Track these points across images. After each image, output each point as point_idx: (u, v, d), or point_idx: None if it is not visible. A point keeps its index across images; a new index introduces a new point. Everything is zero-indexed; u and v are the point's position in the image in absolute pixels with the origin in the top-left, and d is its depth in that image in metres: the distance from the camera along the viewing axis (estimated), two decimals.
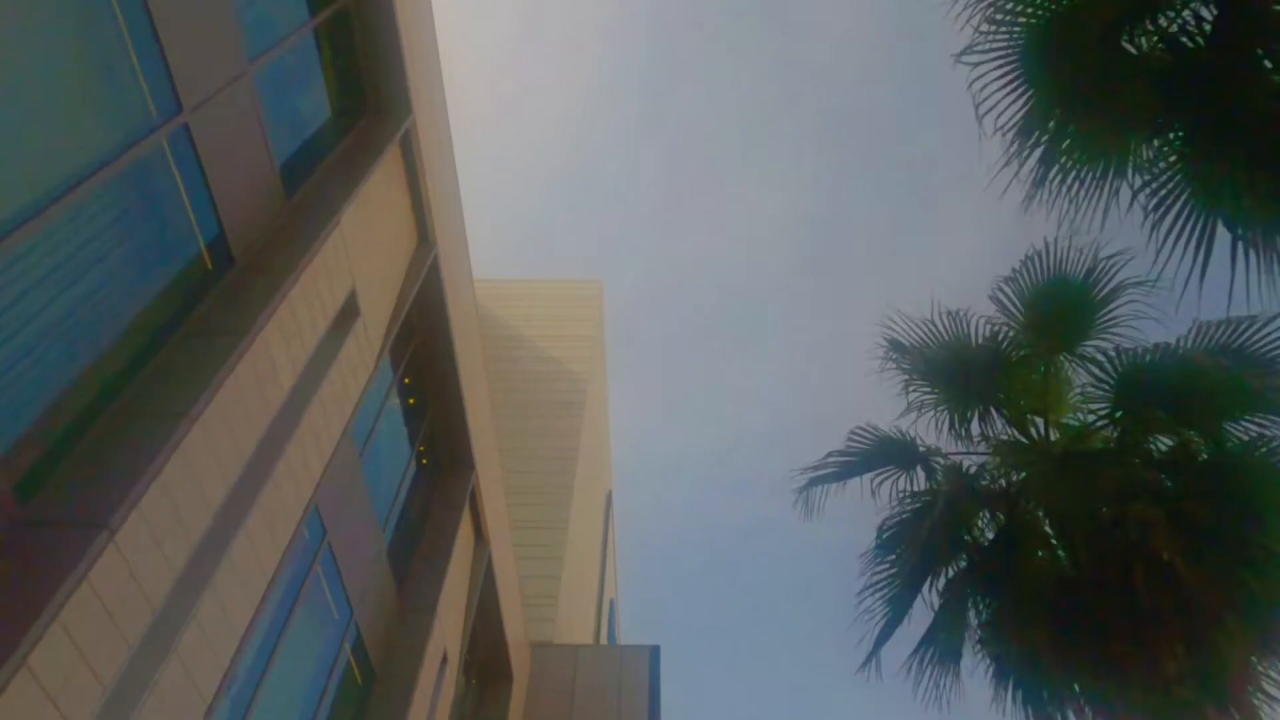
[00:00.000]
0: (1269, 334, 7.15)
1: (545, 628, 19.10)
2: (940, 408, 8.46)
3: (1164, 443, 7.73)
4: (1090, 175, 5.62)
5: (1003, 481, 8.20)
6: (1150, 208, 5.21)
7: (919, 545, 7.73)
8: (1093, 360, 7.79)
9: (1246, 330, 7.19)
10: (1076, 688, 7.21)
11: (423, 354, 11.72)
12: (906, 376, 8.54)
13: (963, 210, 77.94)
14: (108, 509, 4.53)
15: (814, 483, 8.65)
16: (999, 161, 5.90)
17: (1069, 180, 5.73)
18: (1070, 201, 5.70)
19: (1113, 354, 7.56)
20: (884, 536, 8.16)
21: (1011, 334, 8.28)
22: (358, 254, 8.04)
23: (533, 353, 27.57)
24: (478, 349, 13.57)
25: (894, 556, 8.13)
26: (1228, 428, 7.43)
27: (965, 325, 8.34)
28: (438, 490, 12.57)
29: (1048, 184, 5.76)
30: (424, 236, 10.60)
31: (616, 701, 17.45)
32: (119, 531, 4.53)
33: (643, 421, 78.79)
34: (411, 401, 11.78)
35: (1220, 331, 7.28)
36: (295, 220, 7.35)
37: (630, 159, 77.81)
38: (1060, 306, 7.98)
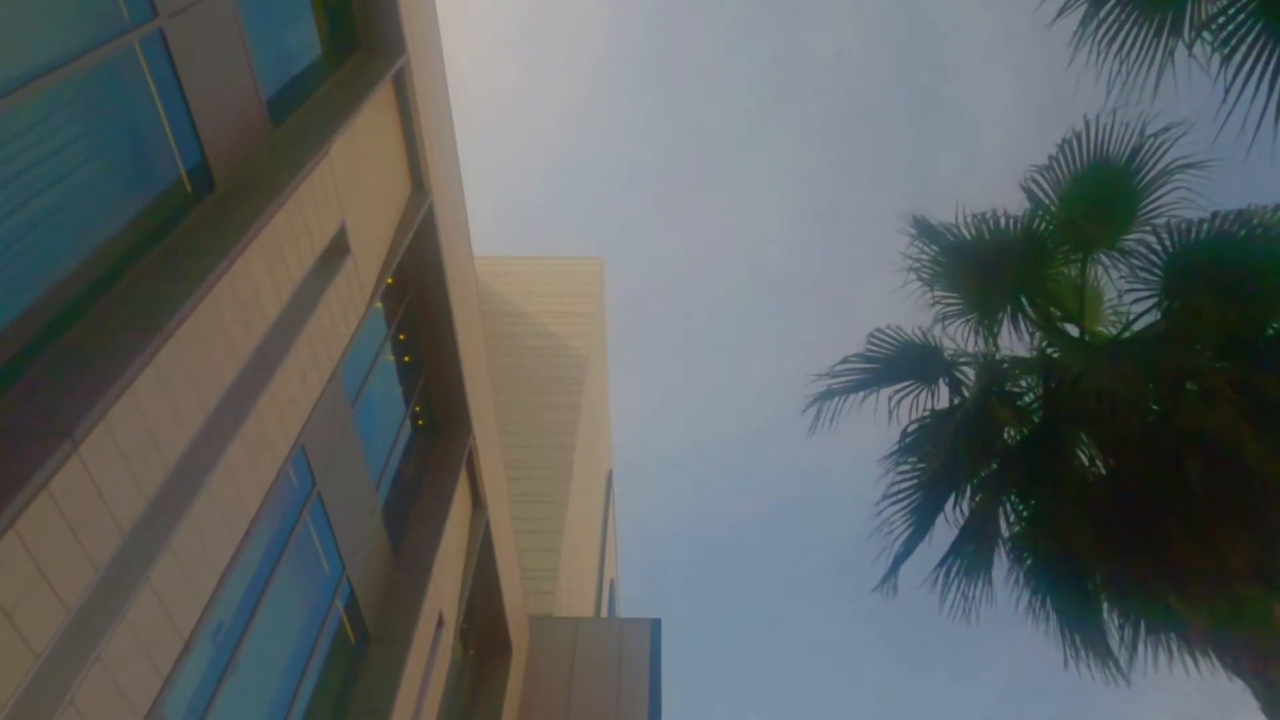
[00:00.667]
0: None
1: (545, 601, 18.83)
2: (969, 314, 7.77)
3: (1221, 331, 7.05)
4: (1144, 25, 5.11)
5: (1040, 378, 7.61)
6: (1217, 43, 4.74)
7: (946, 447, 7.12)
8: (1135, 253, 7.21)
9: None
10: (1122, 592, 6.74)
11: (418, 311, 11.39)
12: (931, 273, 7.78)
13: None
14: (72, 419, 4.21)
15: (828, 396, 7.98)
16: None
17: (1118, 29, 5.22)
18: (1118, 56, 5.16)
19: (1164, 233, 6.91)
20: (908, 440, 7.56)
21: (1046, 227, 7.55)
22: (348, 189, 7.70)
23: (532, 328, 27.25)
24: (475, 309, 13.23)
25: (917, 460, 7.52)
26: None
27: (995, 222, 7.56)
28: (434, 452, 12.25)
29: (1095, 28, 5.25)
30: (419, 185, 10.25)
31: (616, 674, 17.19)
32: (83, 443, 4.20)
33: (644, 412, 78.55)
34: (406, 359, 11.46)
35: None
36: (281, 148, 7.00)
37: (631, 153, 77.38)
38: (1101, 194, 7.21)
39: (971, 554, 7.31)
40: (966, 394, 7.50)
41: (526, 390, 24.63)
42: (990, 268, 7.49)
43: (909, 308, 7.99)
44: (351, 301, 7.83)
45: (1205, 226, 6.81)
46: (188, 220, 5.88)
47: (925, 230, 7.79)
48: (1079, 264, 7.57)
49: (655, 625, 18.16)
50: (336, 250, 7.54)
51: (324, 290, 7.18)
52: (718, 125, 77.65)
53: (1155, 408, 6.82)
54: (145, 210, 5.64)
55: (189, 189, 6.06)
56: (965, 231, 7.57)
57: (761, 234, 76.96)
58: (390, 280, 10.66)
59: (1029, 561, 7.27)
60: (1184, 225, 6.94)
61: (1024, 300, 7.61)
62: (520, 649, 16.82)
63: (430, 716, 10.51)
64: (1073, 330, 7.70)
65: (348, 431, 8.86)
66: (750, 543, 78.86)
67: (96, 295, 5.04)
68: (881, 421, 7.83)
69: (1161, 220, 7.19)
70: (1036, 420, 7.39)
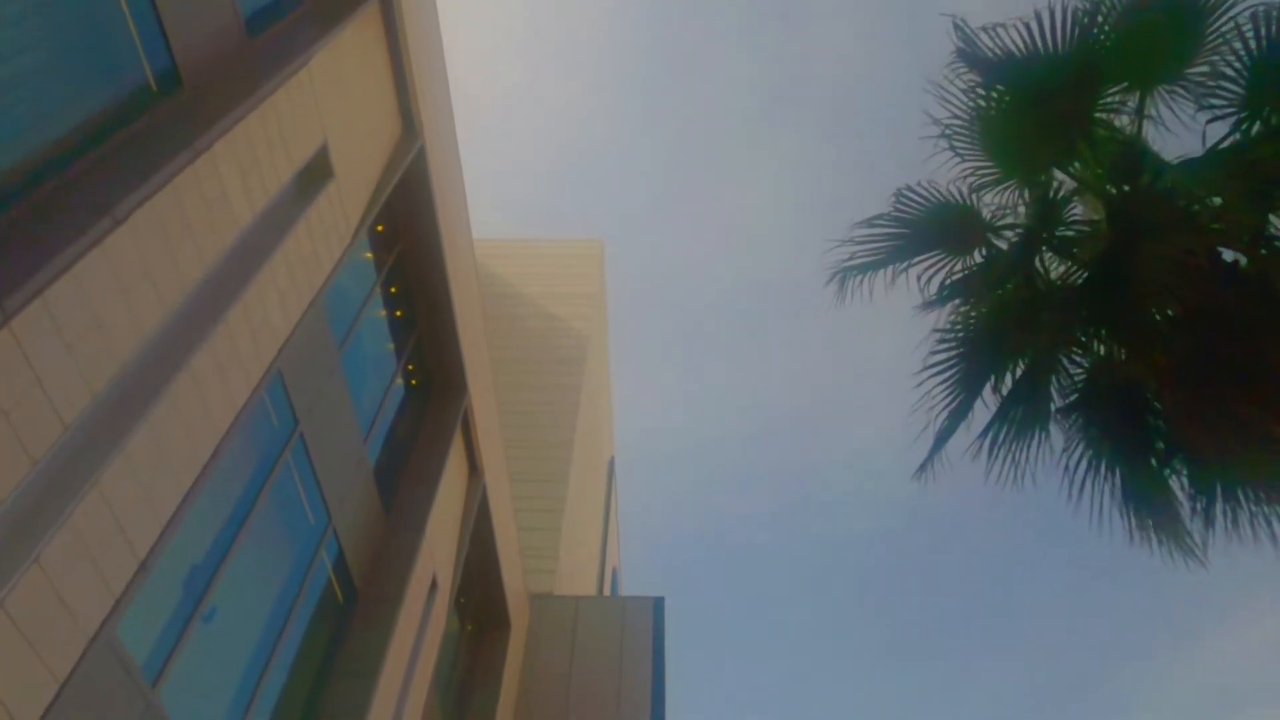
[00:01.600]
0: None
1: (545, 579, 18.38)
2: (1007, 180, 6.78)
3: None
4: None
5: (1104, 200, 6.64)
6: None
7: (993, 295, 6.47)
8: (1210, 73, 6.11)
9: None
10: (1197, 446, 6.07)
11: (409, 264, 10.94)
12: (967, 130, 6.76)
13: None
14: (2, 290, 3.76)
15: (851, 271, 7.10)
16: None
17: None
18: None
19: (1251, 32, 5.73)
20: (946, 292, 6.74)
21: (1103, 47, 6.39)
22: (330, 109, 7.25)
23: (532, 310, 26.81)
24: (472, 269, 12.79)
25: (960, 318, 6.75)
26: None
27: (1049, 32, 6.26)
28: (428, 414, 11.80)
29: None
30: (409, 127, 9.80)
31: (619, 653, 16.73)
32: (16, 317, 3.76)
33: (646, 409, 78.07)
34: (399, 314, 11.01)
35: None
36: (257, 57, 6.56)
37: (633, 152, 76.94)
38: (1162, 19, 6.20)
39: (1021, 419, 6.65)
40: (1024, 213, 6.70)
41: (527, 371, 24.19)
42: (1042, 98, 6.48)
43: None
44: (335, 229, 7.38)
45: None
46: (153, 113, 5.44)
47: (967, 49, 6.58)
48: (1138, 95, 6.60)
49: (658, 604, 17.70)
50: (317, 171, 7.09)
51: (304, 211, 6.74)
52: (719, 124, 77.28)
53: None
54: (107, 102, 5.22)
55: (154, 87, 5.62)
56: (1015, 40, 6.38)
57: (762, 233, 76.53)
58: (380, 228, 10.24)
59: (1086, 423, 6.57)
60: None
61: (1078, 142, 6.61)
62: (520, 626, 16.37)
63: (423, 681, 10.07)
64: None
65: (334, 374, 8.41)
66: (756, 541, 78.25)
67: (48, 177, 4.59)
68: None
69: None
70: (1098, 251, 6.44)
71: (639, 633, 17.06)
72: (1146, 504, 6.58)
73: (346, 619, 8.92)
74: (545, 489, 20.47)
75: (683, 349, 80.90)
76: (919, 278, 6.82)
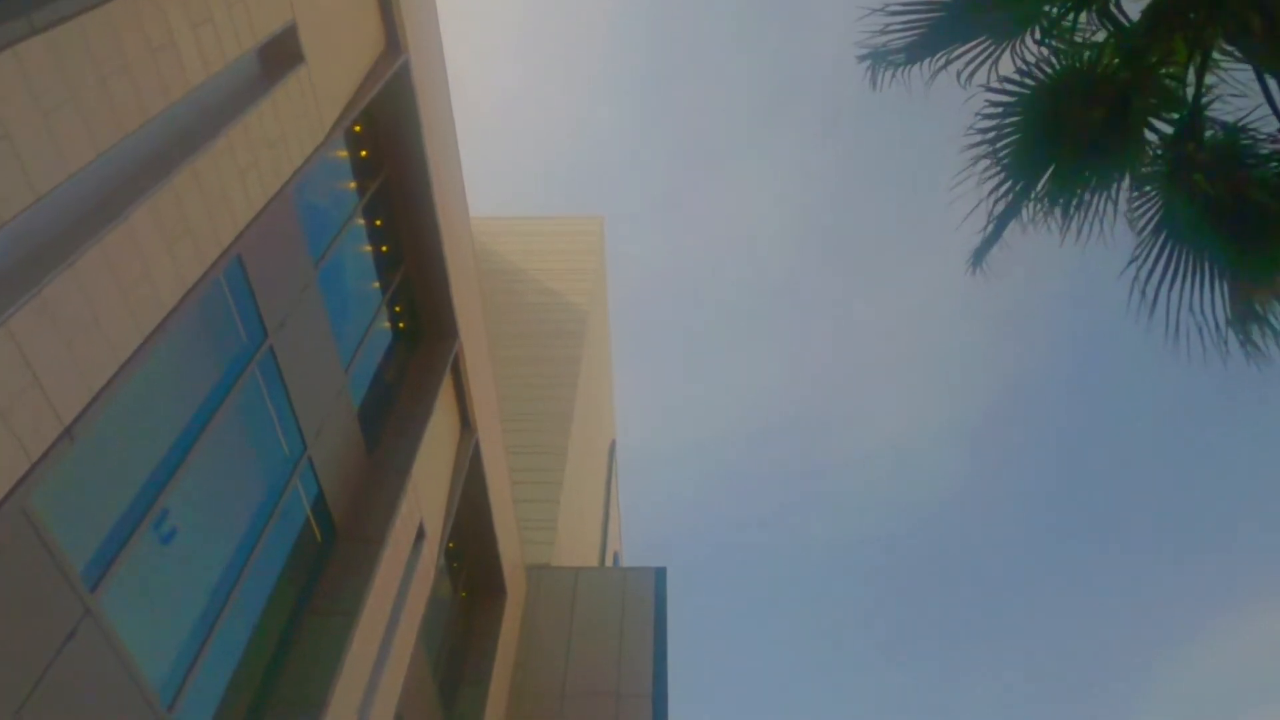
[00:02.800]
0: None
1: (544, 550, 17.81)
2: None
3: None
4: None
5: None
6: None
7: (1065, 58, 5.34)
8: None
9: None
10: None
11: (395, 195, 10.37)
12: None
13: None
14: None
15: (883, 58, 6.08)
16: None
17: None
18: None
19: None
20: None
21: None
22: None
23: (531, 285, 26.26)
24: (462, 212, 12.22)
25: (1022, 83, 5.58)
26: None
27: None
28: (416, 357, 11.23)
29: None
30: (394, 42, 9.23)
31: (619, 624, 16.14)
32: None
33: (648, 412, 77.46)
34: (384, 250, 10.44)
35: None
36: None
37: (632, 153, 76.39)
38: None
39: (1104, 169, 5.66)
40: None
41: (526, 345, 23.63)
42: None
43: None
44: (306, 118, 6.80)
45: None
46: None
47: None
48: None
49: (660, 574, 17.11)
50: (285, 51, 6.52)
51: (269, 89, 6.17)
52: (719, 126, 76.80)
53: None
54: None
55: None
56: None
57: (760, 233, 75.95)
58: (364, 154, 9.68)
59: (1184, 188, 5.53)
60: None
61: None
62: (516, 594, 15.80)
63: (410, 631, 9.49)
64: None
65: (309, 291, 7.84)
66: (756, 541, 77.50)
67: None
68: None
69: None
70: None
71: (640, 603, 16.48)
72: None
73: (325, 558, 8.35)
74: (544, 461, 19.90)
75: (684, 350, 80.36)
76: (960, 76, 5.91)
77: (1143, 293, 5.57)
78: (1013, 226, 6.22)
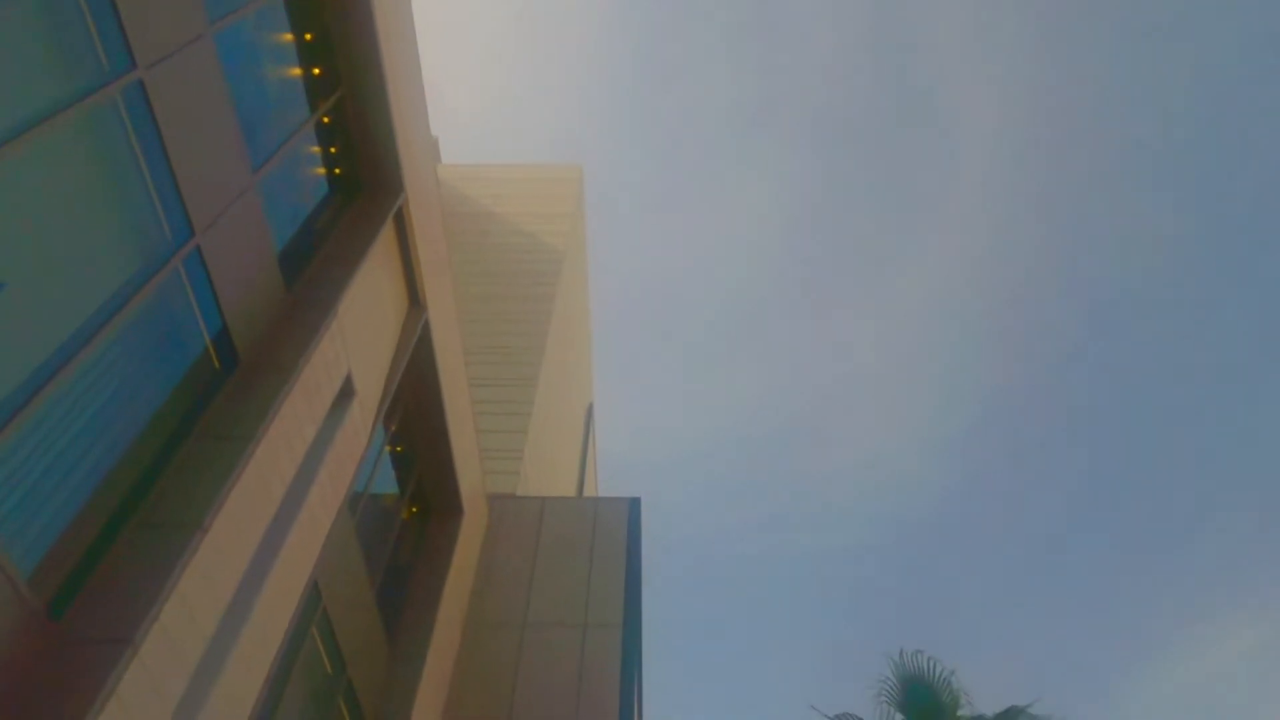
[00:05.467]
0: None
1: (509, 480, 16.43)
2: None
3: None
4: None
5: None
6: None
7: None
8: None
9: None
10: None
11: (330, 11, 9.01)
12: None
13: (957, 209, 74.87)
14: None
15: None
16: None
17: None
18: None
19: None
20: None
21: None
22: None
23: (505, 227, 24.92)
24: (413, 54, 10.82)
25: None
26: None
27: None
28: (352, 208, 9.83)
29: None
30: None
31: (588, 554, 14.73)
32: None
33: (636, 422, 76.11)
34: (316, 72, 9.06)
35: None
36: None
37: (621, 161, 75.27)
38: None
39: None
40: None
41: (498, 283, 22.33)
42: None
43: None
44: None
45: None
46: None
47: None
48: None
49: (634, 504, 15.70)
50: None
51: None
52: (706, 136, 75.85)
53: None
54: None
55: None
56: None
57: (751, 241, 74.91)
58: None
59: None
60: None
61: None
62: (476, 521, 14.39)
63: (332, 492, 8.07)
64: None
65: (202, 42, 6.44)
66: (748, 553, 75.96)
67: None
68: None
69: None
70: None
71: (611, 533, 15.08)
72: None
73: (222, 383, 6.95)
74: (513, 393, 18.56)
75: (668, 361, 79.14)
76: None
77: None
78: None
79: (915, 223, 74.53)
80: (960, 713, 10.56)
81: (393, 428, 11.67)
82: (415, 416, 12.22)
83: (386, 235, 9.93)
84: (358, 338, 8.85)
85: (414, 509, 12.96)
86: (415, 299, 11.12)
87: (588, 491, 28.85)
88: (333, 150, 9.60)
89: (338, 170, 9.74)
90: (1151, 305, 69.27)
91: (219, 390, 6.86)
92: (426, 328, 11.23)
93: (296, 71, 8.78)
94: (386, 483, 11.69)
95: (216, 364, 6.99)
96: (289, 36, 8.44)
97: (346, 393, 8.55)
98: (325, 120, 9.28)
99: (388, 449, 11.80)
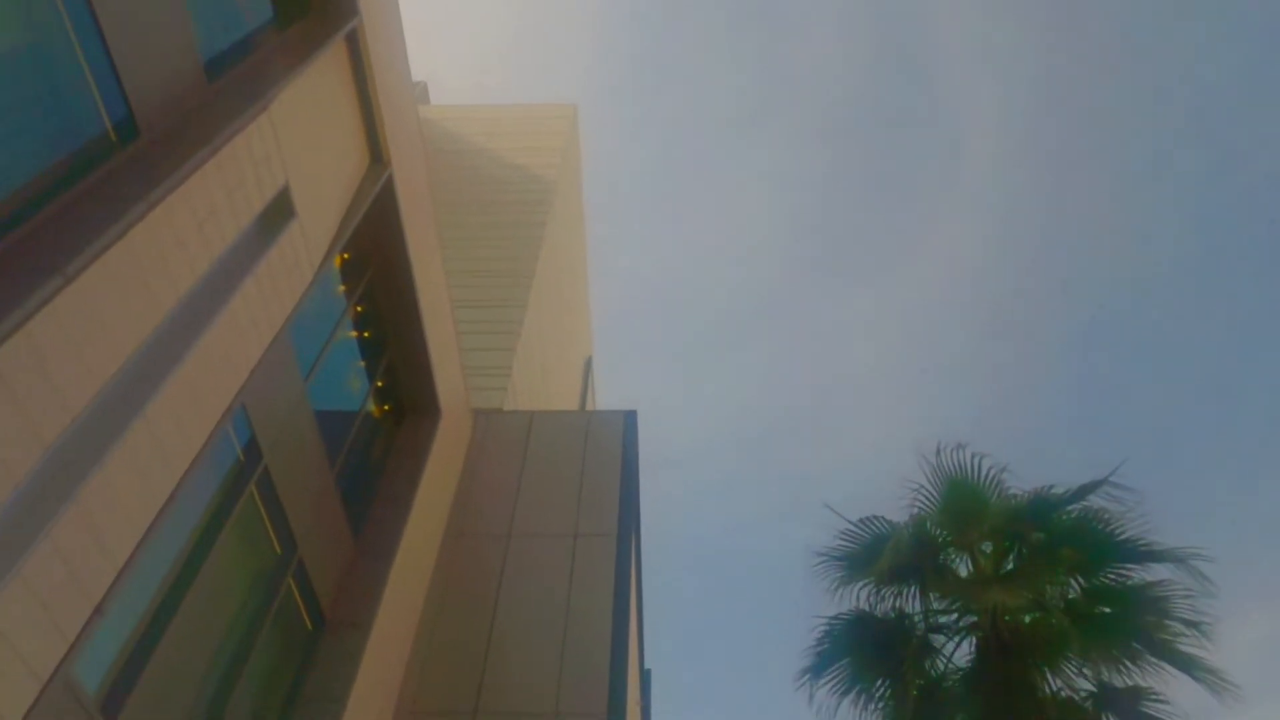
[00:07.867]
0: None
1: (495, 396, 15.29)
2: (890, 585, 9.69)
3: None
4: None
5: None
6: None
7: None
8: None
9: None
10: None
11: None
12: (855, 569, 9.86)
13: (951, 204, 73.29)
14: None
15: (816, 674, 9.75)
16: None
17: None
18: None
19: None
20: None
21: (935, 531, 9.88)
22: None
23: (497, 162, 23.77)
24: None
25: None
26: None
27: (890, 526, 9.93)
28: (296, 26, 8.66)
29: None
30: None
31: (579, 466, 13.59)
32: None
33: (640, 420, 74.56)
34: None
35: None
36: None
37: (619, 159, 74.11)
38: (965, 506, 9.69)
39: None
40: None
41: (488, 212, 21.20)
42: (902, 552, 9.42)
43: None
44: None
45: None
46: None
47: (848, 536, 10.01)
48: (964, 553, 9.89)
49: (630, 417, 14.57)
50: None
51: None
52: (705, 132, 74.71)
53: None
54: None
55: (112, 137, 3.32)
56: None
57: (751, 239, 73.68)
58: None
59: None
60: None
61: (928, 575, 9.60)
62: (456, 429, 13.26)
63: (267, 315, 6.88)
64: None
65: None
66: (748, 547, 74.47)
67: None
68: None
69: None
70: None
71: (606, 447, 13.94)
72: None
73: (112, 152, 5.78)
74: (502, 314, 17.43)
75: (668, 357, 78.02)
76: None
77: None
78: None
79: (916, 219, 73.21)
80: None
81: (358, 308, 10.55)
82: (383, 300, 11.10)
83: (338, 62, 8.76)
84: (297, 154, 7.66)
85: (386, 407, 11.83)
86: (377, 155, 9.97)
87: None
88: None
89: None
90: (1151, 305, 67.82)
91: (109, 158, 5.69)
92: (390, 186, 10.08)
93: None
94: (349, 362, 10.56)
95: (113, 137, 5.83)
96: None
97: (283, 209, 7.37)
98: None
99: (354, 333, 10.70)
